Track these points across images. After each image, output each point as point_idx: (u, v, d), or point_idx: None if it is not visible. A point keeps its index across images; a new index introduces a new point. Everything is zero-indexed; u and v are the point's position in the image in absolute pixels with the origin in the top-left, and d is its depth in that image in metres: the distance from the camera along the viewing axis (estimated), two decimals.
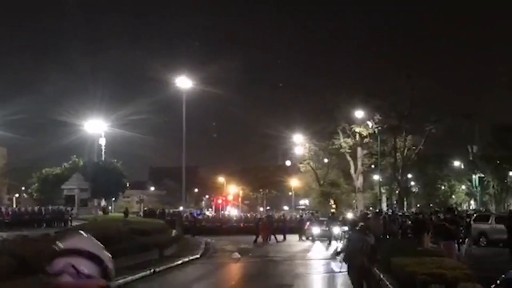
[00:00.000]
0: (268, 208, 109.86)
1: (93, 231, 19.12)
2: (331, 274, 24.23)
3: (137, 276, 22.28)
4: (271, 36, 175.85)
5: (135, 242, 27.51)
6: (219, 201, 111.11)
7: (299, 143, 75.32)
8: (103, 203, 75.34)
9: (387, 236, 35.57)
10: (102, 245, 2.92)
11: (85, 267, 2.69)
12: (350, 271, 16.52)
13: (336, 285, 21.91)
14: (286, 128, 73.80)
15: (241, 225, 56.32)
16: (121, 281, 20.58)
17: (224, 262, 31.23)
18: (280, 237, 45.32)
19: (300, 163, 77.02)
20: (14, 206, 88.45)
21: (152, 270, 24.09)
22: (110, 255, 2.89)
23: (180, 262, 28.25)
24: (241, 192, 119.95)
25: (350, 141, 67.71)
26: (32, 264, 17.91)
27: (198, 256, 31.88)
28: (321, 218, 50.02)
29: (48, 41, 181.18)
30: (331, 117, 67.08)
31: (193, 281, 24.27)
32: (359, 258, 15.72)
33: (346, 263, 17.11)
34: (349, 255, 16.63)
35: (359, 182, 69.03)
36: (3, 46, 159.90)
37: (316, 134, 71.12)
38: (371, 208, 55.80)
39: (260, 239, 43.21)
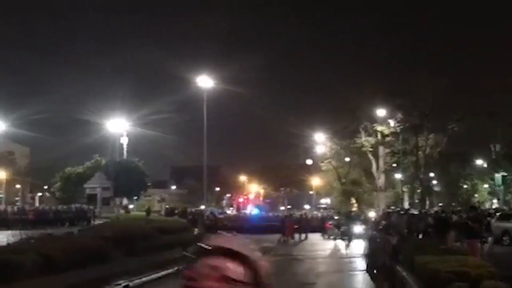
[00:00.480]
0: (289, 206, 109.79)
1: (117, 229, 19.52)
2: (353, 273, 24.24)
3: (161, 274, 22.45)
4: (293, 35, 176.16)
5: (159, 241, 27.71)
6: (240, 200, 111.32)
7: (321, 142, 75.27)
8: (125, 202, 75.83)
9: (415, 235, 35.43)
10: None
11: (234, 271, 2.28)
12: (372, 270, 16.56)
13: (358, 283, 21.92)
14: (307, 127, 73.78)
15: (263, 223, 56.31)
16: (146, 278, 20.79)
17: None
18: (302, 235, 45.38)
19: (322, 161, 76.98)
20: (37, 204, 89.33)
21: (176, 269, 24.23)
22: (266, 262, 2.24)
23: None
24: (262, 191, 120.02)
25: (372, 139, 67.47)
26: (57, 262, 18.22)
27: None
28: (336, 217, 50.03)
29: (71, 42, 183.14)
30: (353, 116, 66.87)
31: None
32: (382, 257, 15.76)
33: (368, 262, 17.15)
34: (372, 254, 16.66)
35: (381, 180, 68.72)
36: (26, 47, 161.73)
37: (337, 133, 70.98)
38: (392, 207, 55.50)
39: (284, 237, 43.09)
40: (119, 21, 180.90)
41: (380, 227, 17.14)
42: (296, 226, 45.34)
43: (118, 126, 75.44)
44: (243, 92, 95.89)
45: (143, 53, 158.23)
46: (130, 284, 19.67)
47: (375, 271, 16.34)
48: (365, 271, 17.72)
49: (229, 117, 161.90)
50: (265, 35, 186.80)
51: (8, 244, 19.55)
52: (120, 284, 19.31)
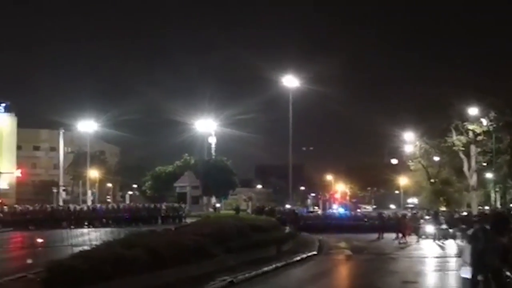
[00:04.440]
0: (374, 206, 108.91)
1: (211, 227, 19.85)
2: (453, 272, 23.93)
3: (260, 271, 22.76)
4: (379, 33, 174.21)
5: (253, 239, 27.92)
6: (326, 199, 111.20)
7: (409, 141, 74.33)
8: (213, 200, 76.97)
9: None
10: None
11: None
12: (477, 271, 16.20)
13: (460, 283, 21.60)
14: (395, 126, 72.98)
15: (351, 223, 56.01)
16: (244, 276, 21.12)
17: (342, 258, 31.41)
18: (393, 235, 44.87)
19: (410, 161, 76.01)
20: (127, 203, 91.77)
21: (274, 266, 24.52)
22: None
23: (298, 258, 28.55)
24: (348, 190, 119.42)
25: (463, 138, 66.14)
26: (163, 258, 18.72)
27: (315, 252, 32.06)
28: (427, 217, 49.25)
29: (160, 43, 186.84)
30: (443, 114, 65.74)
31: (318, 276, 24.51)
32: (490, 258, 15.41)
33: (473, 262, 16.77)
34: (477, 255, 16.29)
35: (472, 180, 67.25)
36: (116, 50, 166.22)
37: (427, 132, 69.90)
38: (486, 207, 54.26)
39: (401, 237, 42.44)
40: (205, 22, 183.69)
41: (489, 226, 16.64)
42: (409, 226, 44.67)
43: (206, 126, 76.91)
44: (329, 91, 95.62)
45: (229, 54, 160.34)
46: (234, 280, 20.07)
47: (480, 273, 15.96)
48: (471, 274, 17.28)
49: (315, 116, 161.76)
50: (351, 34, 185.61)
51: (117, 240, 20.18)
52: (225, 280, 19.73)
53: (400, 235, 42.38)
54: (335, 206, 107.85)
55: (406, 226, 43.80)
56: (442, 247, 36.93)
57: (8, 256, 30.37)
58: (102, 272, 15.58)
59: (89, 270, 15.19)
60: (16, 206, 61.02)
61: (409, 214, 54.37)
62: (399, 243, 40.02)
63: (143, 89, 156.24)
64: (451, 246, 36.73)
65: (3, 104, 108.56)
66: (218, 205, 79.67)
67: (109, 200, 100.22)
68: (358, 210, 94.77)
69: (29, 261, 23.80)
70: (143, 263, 17.42)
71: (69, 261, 15.63)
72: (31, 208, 56.46)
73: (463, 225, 41.57)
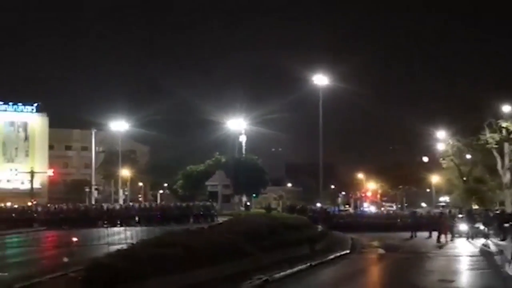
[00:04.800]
0: (406, 204, 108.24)
1: (245, 226, 19.87)
2: (490, 270, 23.75)
3: (294, 270, 22.76)
4: (411, 29, 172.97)
5: (286, 237, 27.91)
6: (357, 198, 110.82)
7: (442, 139, 73.73)
8: (244, 199, 77.02)
9: None
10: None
11: None
12: None
13: (498, 281, 21.43)
14: (427, 124, 72.45)
15: (383, 221, 55.66)
16: (279, 274, 21.13)
17: (377, 257, 31.29)
18: (426, 233, 44.50)
19: (442, 159, 75.34)
20: (159, 202, 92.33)
21: (308, 264, 24.49)
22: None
23: (332, 256, 28.52)
24: (379, 189, 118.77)
25: (496, 136, 65.33)
26: (200, 256, 18.80)
27: (348, 251, 32.00)
28: (459, 215, 48.78)
29: (190, 44, 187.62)
30: (477, 112, 65.04)
31: (353, 274, 24.49)
32: None
33: None
34: None
35: (506, 178, 66.34)
36: (149, 51, 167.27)
37: (460, 130, 69.25)
38: None
39: (442, 236, 41.96)
40: (235, 22, 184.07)
41: None
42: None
43: (237, 125, 77.06)
44: (360, 89, 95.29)
45: (259, 53, 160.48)
46: (270, 279, 20.09)
47: None
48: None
49: (345, 115, 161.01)
50: (381, 31, 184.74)
51: (153, 238, 20.31)
52: (260, 279, 19.77)
53: (435, 234, 41.92)
54: (365, 205, 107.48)
55: (444, 224, 43.32)
56: (486, 246, 36.41)
57: (45, 255, 30.72)
58: (140, 271, 15.70)
59: (128, 268, 15.32)
60: (49, 205, 61.63)
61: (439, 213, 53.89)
62: (438, 242, 39.55)
63: (175, 88, 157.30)
64: (487, 244, 36.29)
65: (35, 105, 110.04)
66: (248, 203, 79.73)
67: (140, 199, 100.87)
68: (382, 208, 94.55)
69: (66, 259, 24.01)
70: (180, 262, 17.52)
71: (108, 259, 15.80)
72: (64, 207, 56.98)
73: (499, 223, 41.31)
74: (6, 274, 21.23)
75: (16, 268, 23.31)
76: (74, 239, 35.43)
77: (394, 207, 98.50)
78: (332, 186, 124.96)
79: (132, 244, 20.81)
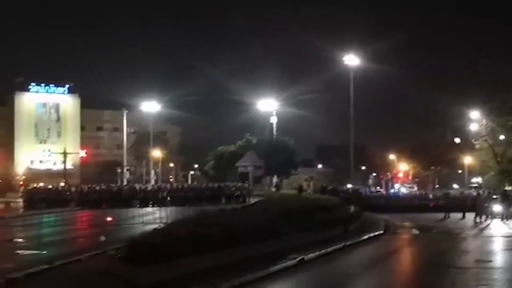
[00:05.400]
0: (437, 186, 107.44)
1: (279, 207, 19.96)
2: None
3: (329, 249, 22.81)
4: (443, 7, 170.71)
5: (320, 218, 27.92)
6: (389, 179, 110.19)
7: (475, 119, 72.96)
8: (275, 180, 77.10)
9: None
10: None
11: None
12: None
13: None
14: (459, 104, 71.77)
15: (415, 203, 55.29)
16: (314, 254, 21.18)
17: (411, 238, 31.23)
18: (459, 215, 44.20)
19: (475, 140, 74.55)
20: (189, 182, 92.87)
21: (342, 244, 24.51)
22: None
23: (366, 237, 28.50)
24: (411, 170, 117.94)
25: None
26: (237, 235, 18.95)
27: (382, 231, 31.92)
28: (494, 196, 48.29)
29: (223, 22, 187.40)
30: (511, 91, 64.18)
31: (388, 254, 24.53)
32: None
33: None
34: None
35: None
36: (181, 31, 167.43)
37: (494, 109, 68.39)
38: None
39: (478, 217, 41.64)
40: (269, 2, 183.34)
41: None
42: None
43: (268, 106, 77.08)
44: (392, 69, 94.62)
45: (291, 34, 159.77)
46: (305, 258, 20.16)
47: None
48: None
49: (376, 95, 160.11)
50: (412, 10, 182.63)
51: (191, 218, 20.47)
52: (295, 258, 19.84)
53: (468, 215, 41.60)
54: (396, 186, 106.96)
55: (480, 205, 42.97)
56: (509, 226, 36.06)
57: (81, 234, 31.18)
58: (180, 249, 15.90)
59: (168, 247, 15.52)
60: (82, 186, 62.41)
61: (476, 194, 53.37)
62: (475, 222, 39.22)
63: (206, 69, 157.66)
64: None
65: (67, 86, 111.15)
66: (279, 184, 79.80)
67: (171, 180, 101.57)
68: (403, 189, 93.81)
69: (103, 238, 24.38)
70: (217, 241, 17.69)
71: (149, 238, 15.99)
72: (97, 187, 57.66)
73: None
74: (45, 252, 21.62)
75: (55, 246, 23.72)
76: (109, 218, 36.02)
77: (416, 188, 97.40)
78: (363, 167, 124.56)
79: (169, 223, 21.07)
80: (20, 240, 26.06)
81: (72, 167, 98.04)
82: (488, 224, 38.65)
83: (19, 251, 21.95)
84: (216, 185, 59.35)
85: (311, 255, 20.79)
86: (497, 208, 43.55)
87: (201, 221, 18.95)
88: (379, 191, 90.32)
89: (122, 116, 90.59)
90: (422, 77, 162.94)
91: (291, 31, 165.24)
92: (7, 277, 15.49)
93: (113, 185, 64.30)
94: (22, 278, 15.84)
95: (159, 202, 53.76)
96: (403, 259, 24.13)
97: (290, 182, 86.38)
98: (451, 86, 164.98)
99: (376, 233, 30.94)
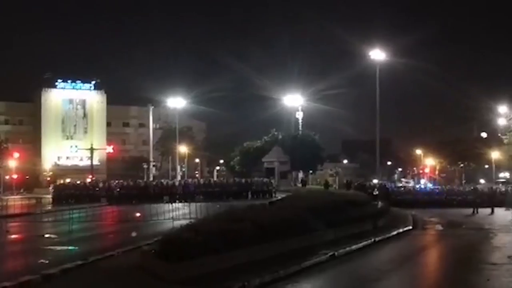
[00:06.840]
0: (464, 181, 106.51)
1: (308, 202, 19.91)
2: None
3: (360, 245, 22.81)
4: (467, 4, 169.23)
5: (349, 213, 27.84)
6: (415, 174, 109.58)
7: (503, 114, 72.38)
8: (300, 175, 77.07)
9: None
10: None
11: None
12: None
13: None
14: (487, 99, 71.18)
15: (443, 198, 54.79)
16: (345, 250, 21.19)
17: (440, 233, 31.03)
18: (488, 210, 43.83)
19: (503, 134, 73.97)
20: (215, 178, 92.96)
21: (372, 240, 24.48)
22: None
23: (395, 233, 28.41)
24: (438, 165, 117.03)
25: None
26: (267, 231, 18.98)
27: (410, 227, 31.80)
28: None
29: (248, 18, 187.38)
30: None
31: (419, 250, 24.54)
32: None
33: None
34: None
35: None
36: (207, 27, 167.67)
37: None
38: None
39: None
40: None
41: None
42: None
43: (294, 101, 77.04)
44: (418, 63, 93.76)
45: (316, 29, 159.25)
46: (336, 254, 20.17)
47: None
48: None
49: (403, 90, 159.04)
50: (440, 4, 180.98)
51: (222, 213, 20.56)
52: (327, 254, 19.87)
53: (497, 210, 41.25)
54: (422, 181, 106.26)
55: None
56: None
57: (112, 230, 31.38)
58: (212, 245, 15.98)
59: (202, 242, 15.59)
60: (110, 181, 62.76)
61: (503, 189, 53.00)
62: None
63: (232, 65, 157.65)
64: None
65: (93, 82, 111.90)
66: (305, 180, 79.81)
67: (197, 175, 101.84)
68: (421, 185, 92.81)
69: (134, 234, 24.52)
70: (249, 237, 17.74)
71: (182, 234, 16.07)
72: (125, 183, 57.95)
73: None
74: (77, 248, 21.83)
75: (86, 242, 23.88)
76: (138, 214, 36.23)
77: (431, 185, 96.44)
78: (389, 162, 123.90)
79: (200, 219, 21.16)
80: (52, 235, 26.27)
81: (99, 163, 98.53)
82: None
83: (52, 247, 22.13)
84: (243, 180, 59.37)
85: (342, 251, 20.83)
86: None
87: (232, 217, 19.00)
88: (407, 185, 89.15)
89: (148, 112, 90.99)
90: (450, 71, 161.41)
91: (318, 26, 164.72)
92: (43, 273, 15.68)
93: (140, 181, 64.51)
94: (58, 273, 16.03)
95: (187, 197, 53.82)
96: (434, 255, 24.01)
97: (316, 178, 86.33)
98: (480, 80, 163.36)
99: (405, 228, 30.82)
